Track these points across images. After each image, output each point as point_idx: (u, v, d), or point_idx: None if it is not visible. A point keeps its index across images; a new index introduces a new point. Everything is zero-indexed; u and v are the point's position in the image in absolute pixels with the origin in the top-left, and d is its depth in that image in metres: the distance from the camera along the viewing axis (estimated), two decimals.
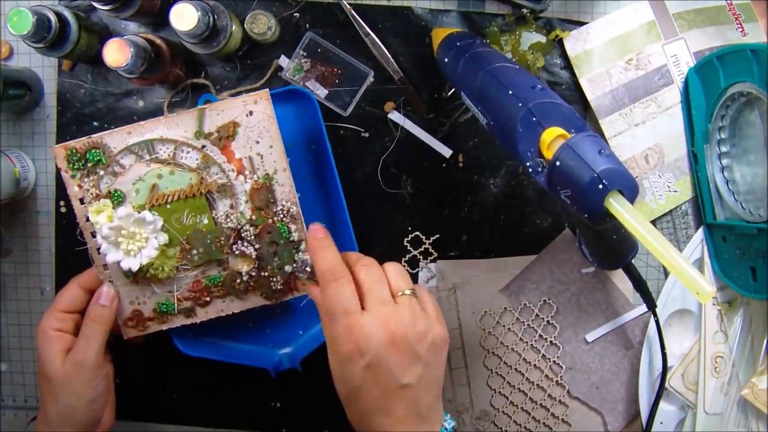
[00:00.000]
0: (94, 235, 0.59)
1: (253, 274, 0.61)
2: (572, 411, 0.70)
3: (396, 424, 0.45)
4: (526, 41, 0.67)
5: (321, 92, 0.67)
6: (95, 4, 0.59)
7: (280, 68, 0.67)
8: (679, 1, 0.67)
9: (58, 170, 0.68)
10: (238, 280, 0.61)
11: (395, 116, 0.67)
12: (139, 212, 0.58)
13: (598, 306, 0.69)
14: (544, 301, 0.69)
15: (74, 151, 0.58)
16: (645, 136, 0.67)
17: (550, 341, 0.69)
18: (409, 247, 0.69)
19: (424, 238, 0.69)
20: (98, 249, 0.59)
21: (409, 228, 0.69)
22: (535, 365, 0.70)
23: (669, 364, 0.65)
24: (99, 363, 0.58)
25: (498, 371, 0.69)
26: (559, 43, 0.67)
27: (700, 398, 0.66)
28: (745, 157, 0.63)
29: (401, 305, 0.48)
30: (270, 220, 0.60)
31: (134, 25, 0.67)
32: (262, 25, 0.64)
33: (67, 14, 0.60)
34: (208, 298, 0.62)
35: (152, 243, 0.59)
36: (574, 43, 0.67)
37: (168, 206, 0.59)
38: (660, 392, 0.65)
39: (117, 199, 0.58)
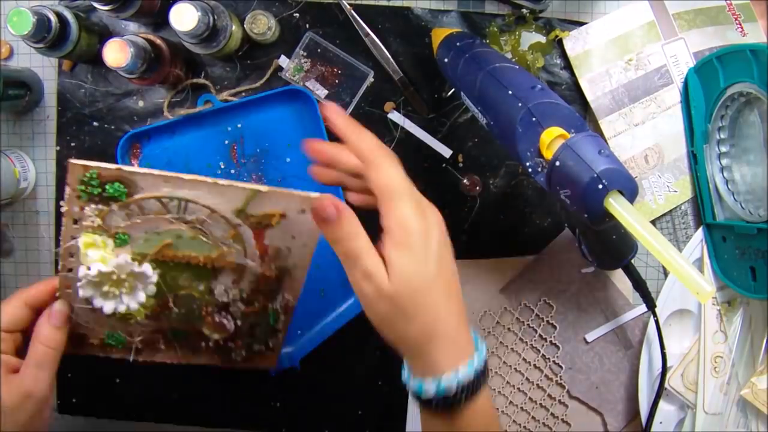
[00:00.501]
0: (71, 254, 0.50)
1: (221, 342, 0.57)
2: (572, 411, 0.70)
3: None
4: (525, 41, 0.67)
5: (321, 92, 0.67)
6: (95, 4, 0.59)
7: (279, 68, 0.67)
8: (678, 1, 0.67)
9: (58, 171, 0.68)
10: (202, 343, 0.56)
11: (395, 116, 0.68)
12: (140, 264, 0.51)
13: (597, 306, 0.69)
14: (544, 301, 0.69)
15: (94, 175, 0.47)
16: (645, 136, 0.67)
17: (550, 341, 0.69)
18: None
19: None
20: (70, 270, 0.50)
21: None
22: (534, 365, 0.70)
23: (669, 364, 0.65)
24: (48, 394, 0.49)
25: (498, 371, 0.70)
26: (559, 43, 0.67)
27: (700, 398, 0.66)
28: (745, 157, 0.63)
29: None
30: (263, 306, 0.56)
31: (134, 25, 0.67)
32: (262, 25, 0.64)
33: (67, 14, 0.60)
34: (162, 347, 0.56)
35: (138, 296, 0.52)
36: (573, 43, 0.67)
37: (171, 264, 0.52)
38: (660, 392, 0.65)
39: (120, 242, 0.50)
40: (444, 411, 0.42)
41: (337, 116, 0.45)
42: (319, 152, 0.48)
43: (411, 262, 0.41)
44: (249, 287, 0.54)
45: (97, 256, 0.49)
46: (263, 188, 0.49)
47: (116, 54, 0.56)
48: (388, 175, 0.42)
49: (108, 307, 0.51)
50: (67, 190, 0.48)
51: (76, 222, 0.49)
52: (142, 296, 0.52)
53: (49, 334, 0.49)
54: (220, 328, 0.56)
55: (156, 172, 0.47)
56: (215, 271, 0.53)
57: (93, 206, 0.48)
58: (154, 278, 0.52)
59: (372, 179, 0.42)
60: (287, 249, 0.53)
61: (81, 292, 0.50)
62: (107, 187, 0.48)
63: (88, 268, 0.49)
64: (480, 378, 0.42)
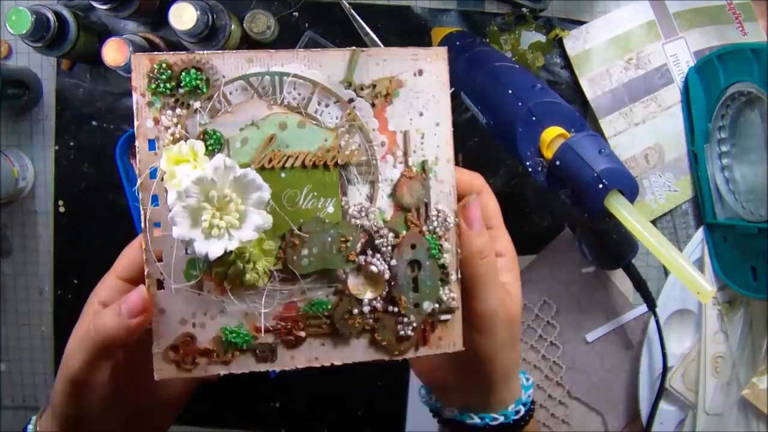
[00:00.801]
0: (155, 202, 0.39)
1: (378, 306, 0.40)
2: (572, 411, 0.70)
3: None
4: (525, 40, 0.67)
5: None
6: (94, 4, 0.58)
7: None
8: (678, 0, 0.66)
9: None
10: (355, 311, 0.40)
11: None
12: (241, 169, 0.37)
13: (598, 306, 0.69)
14: (544, 301, 0.69)
15: (164, 66, 0.38)
16: (645, 136, 0.67)
17: (550, 341, 0.69)
18: None
19: None
20: (156, 223, 0.38)
21: None
22: (535, 365, 0.69)
23: (669, 364, 0.65)
24: (85, 376, 0.39)
25: None
26: (559, 42, 0.67)
27: (701, 398, 0.66)
28: (745, 156, 0.63)
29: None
30: (418, 229, 0.41)
31: (133, 24, 0.66)
32: (261, 24, 0.63)
33: (66, 13, 0.60)
34: (302, 333, 0.40)
35: (252, 220, 0.37)
36: (573, 42, 0.66)
37: (283, 174, 0.39)
38: (660, 392, 0.65)
39: (213, 143, 0.39)
40: None
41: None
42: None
43: (518, 285, 0.44)
44: (389, 205, 0.41)
45: (186, 169, 0.37)
46: (362, 49, 0.40)
47: (115, 53, 0.56)
48: (495, 201, 0.45)
49: (215, 248, 0.36)
50: (136, 99, 0.38)
51: (153, 145, 0.39)
52: (257, 221, 0.37)
53: (105, 322, 0.38)
54: (374, 279, 0.40)
55: (233, 51, 0.39)
56: (342, 183, 0.40)
57: (169, 113, 0.38)
58: (267, 191, 0.37)
59: (486, 205, 0.44)
60: (419, 134, 0.43)
61: (176, 232, 0.36)
62: (182, 77, 0.38)
63: (177, 193, 0.35)
64: (527, 414, 0.45)
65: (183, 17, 0.56)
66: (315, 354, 0.41)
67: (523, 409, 0.44)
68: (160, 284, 0.39)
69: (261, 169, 0.39)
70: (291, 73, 0.39)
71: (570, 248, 0.69)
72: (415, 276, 0.41)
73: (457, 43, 0.57)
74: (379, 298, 0.40)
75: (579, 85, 0.67)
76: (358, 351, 0.41)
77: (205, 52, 0.38)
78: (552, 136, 0.46)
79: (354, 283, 0.40)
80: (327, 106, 0.40)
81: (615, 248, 0.60)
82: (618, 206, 0.44)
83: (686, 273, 0.41)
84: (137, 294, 0.37)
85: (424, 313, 0.40)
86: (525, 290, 0.69)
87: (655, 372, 0.67)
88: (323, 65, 0.40)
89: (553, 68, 0.68)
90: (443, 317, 0.41)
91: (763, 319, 0.66)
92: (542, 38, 0.67)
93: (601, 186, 0.44)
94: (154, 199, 0.39)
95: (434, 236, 0.41)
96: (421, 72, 0.42)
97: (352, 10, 0.65)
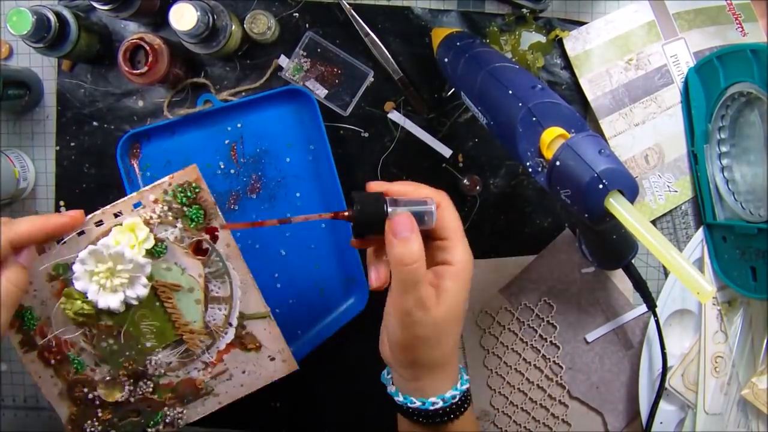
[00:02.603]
0: (99, 223, 0.51)
1: (96, 402, 0.54)
2: (572, 411, 0.70)
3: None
4: (526, 41, 0.67)
5: (321, 92, 0.67)
6: (95, 4, 0.58)
7: (279, 68, 0.67)
8: (679, 1, 0.67)
9: (58, 171, 0.68)
10: (84, 390, 0.54)
11: (395, 116, 0.67)
12: (144, 259, 0.50)
13: (598, 306, 0.69)
14: (544, 301, 0.69)
15: (196, 189, 0.50)
16: (645, 136, 0.67)
17: (550, 341, 0.69)
18: None
19: None
20: (81, 232, 0.50)
21: None
22: (534, 365, 0.70)
23: (669, 364, 0.65)
24: (5, 332, 0.48)
25: (498, 371, 0.69)
26: (559, 43, 0.67)
27: (700, 398, 0.66)
28: (745, 157, 0.63)
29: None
30: (160, 403, 0.55)
31: (134, 24, 0.67)
32: (262, 24, 0.64)
33: (67, 14, 0.60)
34: (52, 361, 0.53)
35: (117, 298, 0.50)
36: (574, 43, 0.67)
37: (157, 303, 0.52)
38: (660, 392, 0.65)
39: (159, 251, 0.51)
40: (425, 425, 0.48)
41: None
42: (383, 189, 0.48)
43: (461, 293, 0.46)
44: (168, 381, 0.55)
45: (127, 243, 0.49)
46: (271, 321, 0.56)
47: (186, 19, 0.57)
48: (456, 215, 0.47)
49: (81, 285, 0.49)
50: (167, 178, 0.50)
51: (135, 207, 0.50)
52: (115, 303, 0.50)
53: (16, 274, 0.46)
54: (114, 389, 0.54)
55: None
56: (175, 343, 0.54)
57: (165, 208, 0.50)
58: (148, 269, 0.50)
59: (443, 216, 0.47)
60: (229, 375, 0.56)
61: (80, 254, 0.49)
62: (192, 208, 0.51)
63: (111, 242, 0.49)
64: (462, 403, 0.48)
65: (183, 18, 0.56)
66: (41, 375, 0.53)
67: (458, 395, 0.47)
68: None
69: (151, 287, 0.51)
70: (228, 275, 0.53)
71: (570, 248, 0.69)
72: (130, 418, 0.55)
73: (458, 43, 0.57)
74: (101, 400, 0.54)
75: (579, 85, 0.67)
76: (59, 404, 0.54)
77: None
78: (552, 137, 0.46)
79: (104, 380, 0.54)
80: (221, 313, 0.54)
81: (615, 248, 0.60)
82: (618, 206, 0.44)
83: (686, 273, 0.41)
84: (30, 251, 0.47)
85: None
86: (525, 290, 0.69)
87: (655, 372, 0.67)
88: (248, 300, 0.54)
89: (553, 69, 0.68)
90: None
91: (762, 319, 0.66)
92: (542, 39, 0.67)
93: (601, 186, 0.44)
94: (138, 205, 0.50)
95: (162, 420, 0.55)
96: (273, 358, 0.57)
97: (352, 11, 0.65)
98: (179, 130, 0.66)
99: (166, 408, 0.56)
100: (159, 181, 0.50)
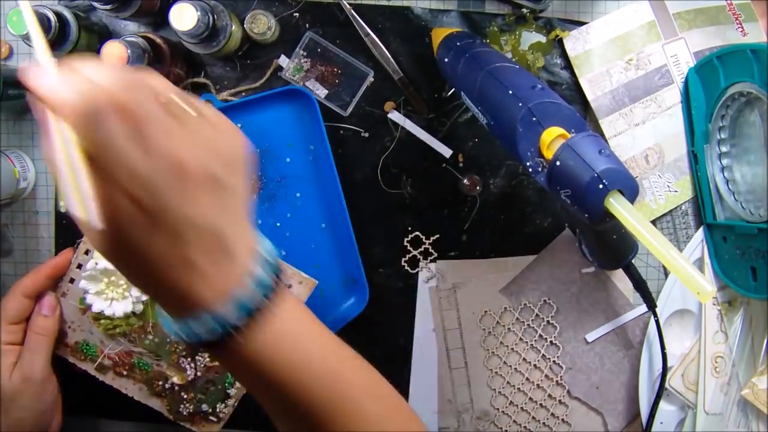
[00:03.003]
0: (87, 252, 0.61)
1: (176, 388, 0.62)
2: (572, 411, 0.70)
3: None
4: (526, 41, 0.67)
5: (321, 92, 0.67)
6: (95, 4, 0.58)
7: (279, 68, 0.67)
8: (679, 1, 0.67)
9: None
10: (161, 383, 0.62)
11: (395, 116, 0.67)
12: None
13: (598, 306, 0.69)
14: (544, 301, 0.69)
15: None
16: (645, 136, 0.67)
17: (550, 341, 0.69)
18: (409, 247, 0.69)
19: (424, 238, 0.69)
20: (79, 264, 0.60)
21: (409, 228, 0.69)
22: (535, 365, 0.70)
23: (669, 364, 0.65)
24: (46, 376, 0.58)
25: (498, 371, 0.69)
26: (559, 43, 0.67)
27: (700, 398, 0.66)
28: (745, 157, 0.63)
29: (188, 129, 0.32)
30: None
31: (134, 24, 0.67)
32: (262, 25, 0.64)
33: (67, 14, 0.60)
34: (125, 373, 0.63)
35: (127, 305, 0.59)
36: (574, 43, 0.67)
37: None
38: (660, 392, 0.65)
39: None
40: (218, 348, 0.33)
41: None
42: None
43: None
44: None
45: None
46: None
47: (114, 58, 0.56)
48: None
49: (97, 305, 0.59)
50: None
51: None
52: (128, 307, 0.59)
53: (40, 323, 0.58)
54: (181, 372, 0.62)
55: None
56: None
57: None
58: (144, 296, 0.60)
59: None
60: None
61: (81, 283, 0.59)
62: None
63: (96, 263, 0.58)
64: (256, 314, 0.32)
65: (184, 18, 0.56)
66: (127, 387, 0.63)
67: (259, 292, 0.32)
68: (64, 294, 0.62)
69: None
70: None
71: (570, 248, 0.69)
72: (207, 389, 0.63)
73: (458, 43, 0.57)
74: (180, 385, 0.62)
75: (579, 85, 0.67)
76: (152, 402, 0.63)
77: None
78: (552, 137, 0.46)
79: (169, 369, 0.62)
80: None
81: (615, 248, 0.60)
82: (618, 206, 0.44)
83: (686, 273, 0.41)
84: (49, 298, 0.60)
85: (199, 410, 0.63)
86: (525, 290, 0.69)
87: (655, 372, 0.67)
88: None
89: (553, 69, 0.68)
90: (211, 418, 0.63)
91: (762, 319, 0.66)
92: (542, 39, 0.67)
93: (601, 186, 0.44)
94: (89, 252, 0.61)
95: (229, 377, 0.62)
96: (290, 285, 0.62)
97: (352, 11, 0.65)
98: None
99: None
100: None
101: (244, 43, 0.66)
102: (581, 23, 0.67)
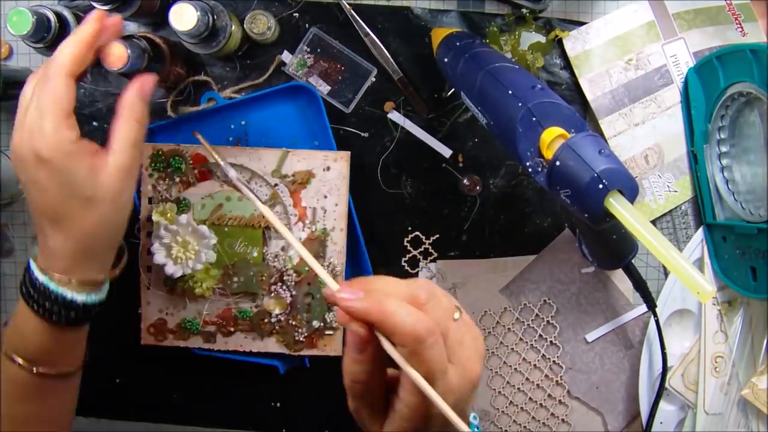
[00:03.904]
0: (149, 236, 0.62)
1: (282, 318, 0.63)
2: (572, 411, 0.70)
3: None
4: (525, 41, 0.67)
5: (323, 88, 0.67)
6: (95, 4, 0.58)
7: (282, 63, 0.67)
8: (678, 1, 0.67)
9: None
10: (266, 320, 0.63)
11: (395, 116, 0.67)
12: (199, 225, 0.61)
13: (598, 306, 0.69)
14: (544, 301, 0.69)
15: (160, 153, 0.62)
16: (645, 136, 0.67)
17: (550, 341, 0.69)
18: (409, 247, 0.69)
19: (424, 238, 0.69)
20: (149, 250, 0.61)
21: (409, 228, 0.69)
22: (535, 365, 0.70)
23: (669, 364, 0.65)
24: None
25: (498, 371, 0.69)
26: (559, 43, 0.67)
27: (700, 398, 0.66)
28: (745, 157, 0.63)
29: (465, 335, 0.37)
30: (313, 273, 0.62)
31: (134, 24, 0.67)
32: (262, 25, 0.64)
33: (67, 14, 0.60)
34: (232, 329, 0.64)
35: (201, 257, 0.61)
36: (573, 43, 0.67)
37: (226, 229, 0.62)
38: (660, 392, 0.65)
39: (183, 206, 0.62)
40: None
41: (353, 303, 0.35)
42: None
43: None
44: (296, 254, 0.62)
45: (165, 220, 0.61)
46: (291, 150, 0.62)
47: (115, 57, 0.55)
48: (430, 364, 0.35)
49: (176, 270, 0.60)
50: (142, 171, 0.61)
51: (150, 201, 0.62)
52: (203, 258, 0.61)
53: (140, 109, 0.48)
54: (279, 300, 0.63)
55: (207, 146, 0.58)
56: (265, 238, 0.62)
57: (161, 182, 0.62)
58: (213, 239, 0.61)
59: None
60: (322, 209, 0.62)
61: (155, 257, 0.60)
62: (171, 161, 0.62)
63: (159, 230, 0.60)
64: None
65: (183, 18, 0.56)
66: (241, 343, 0.64)
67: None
68: (149, 286, 0.63)
69: (212, 225, 0.62)
70: (238, 163, 0.62)
71: (570, 248, 0.69)
72: (309, 303, 0.63)
73: (457, 43, 0.57)
74: (283, 313, 0.63)
75: (579, 85, 0.67)
76: (269, 345, 0.64)
77: (182, 145, 0.62)
78: (552, 137, 0.46)
79: (267, 302, 0.63)
80: (261, 186, 0.63)
81: (615, 248, 0.60)
82: (618, 206, 0.44)
83: (686, 273, 0.41)
84: (147, 77, 0.50)
85: (312, 328, 0.63)
86: (525, 290, 0.69)
87: (655, 372, 0.67)
88: (262, 159, 0.62)
89: (552, 69, 0.68)
90: (327, 332, 0.63)
91: (762, 319, 0.66)
92: (542, 39, 0.67)
93: (601, 186, 0.44)
94: (149, 234, 0.62)
95: None
96: (329, 168, 0.62)
97: (352, 11, 0.66)
98: (183, 129, 0.66)
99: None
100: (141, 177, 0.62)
101: (243, 43, 0.66)
102: (581, 23, 0.67)
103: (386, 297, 0.34)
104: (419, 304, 0.35)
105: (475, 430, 0.43)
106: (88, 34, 0.46)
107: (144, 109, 0.49)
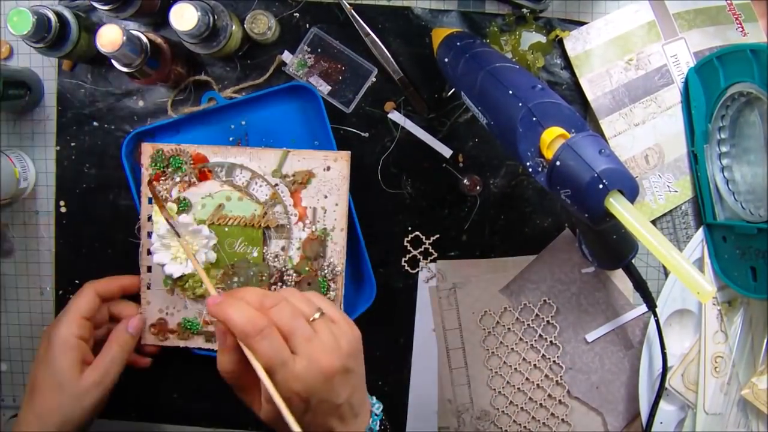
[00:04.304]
0: (149, 236, 0.63)
1: None
2: (572, 411, 0.70)
3: None
4: (526, 41, 0.67)
5: (324, 88, 0.67)
6: (95, 4, 0.59)
7: (283, 63, 0.67)
8: (679, 1, 0.67)
9: (58, 171, 0.68)
10: None
11: (395, 116, 0.67)
12: (198, 225, 0.61)
13: (598, 306, 0.69)
14: (544, 301, 0.69)
15: (160, 153, 0.62)
16: (645, 136, 0.67)
17: (550, 341, 0.69)
18: (409, 247, 0.69)
19: (424, 238, 0.69)
20: (149, 249, 0.62)
21: (409, 228, 0.69)
22: (535, 365, 0.70)
23: (669, 364, 0.65)
24: (111, 390, 0.59)
25: (498, 371, 0.69)
26: (559, 43, 0.67)
27: (700, 398, 0.66)
28: (745, 157, 0.63)
29: (320, 332, 0.46)
30: (314, 273, 0.62)
31: (134, 24, 0.67)
32: (262, 25, 0.64)
33: (67, 14, 0.60)
34: None
35: (200, 257, 0.61)
36: (574, 43, 0.67)
37: (226, 229, 0.62)
38: (660, 392, 0.65)
39: (183, 206, 0.62)
40: None
41: (210, 306, 0.47)
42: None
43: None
44: (297, 254, 0.62)
45: (164, 219, 0.61)
46: (291, 150, 0.62)
47: (108, 39, 0.55)
48: (264, 356, 0.45)
49: (176, 270, 0.60)
50: (142, 171, 0.62)
51: (150, 201, 0.63)
52: (203, 257, 0.61)
53: (125, 339, 0.60)
54: None
55: (207, 146, 0.60)
56: (265, 238, 0.62)
57: (162, 182, 0.62)
58: (213, 240, 0.61)
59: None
60: (322, 209, 0.62)
61: (155, 257, 0.61)
62: (171, 160, 0.62)
63: (159, 229, 0.60)
64: None
65: (184, 18, 0.56)
66: None
67: None
68: (149, 286, 0.64)
69: (212, 225, 0.62)
70: (238, 163, 0.61)
71: (570, 248, 0.69)
72: None
73: (458, 43, 0.57)
74: None
75: (579, 85, 0.67)
76: None
77: (182, 145, 0.62)
78: (552, 137, 0.46)
79: None
80: (261, 186, 0.62)
81: (615, 248, 0.60)
82: (618, 206, 0.44)
83: (686, 273, 0.41)
84: (138, 320, 0.62)
85: None
86: (525, 290, 0.69)
87: (655, 372, 0.67)
88: (262, 159, 0.62)
89: (553, 69, 0.68)
90: None
91: (762, 319, 0.66)
92: (542, 39, 0.67)
93: (601, 186, 0.44)
94: (149, 234, 0.63)
95: (324, 279, 0.62)
96: (329, 168, 0.62)
97: (352, 11, 0.66)
98: (183, 129, 0.66)
99: (318, 273, 0.62)
100: (142, 176, 0.63)
101: (244, 43, 0.66)
102: (581, 23, 0.67)
103: (232, 301, 0.45)
104: (264, 308, 0.46)
105: (375, 416, 0.50)
106: (127, 280, 0.64)
107: (130, 339, 0.61)
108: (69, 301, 0.60)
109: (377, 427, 0.49)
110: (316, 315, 0.47)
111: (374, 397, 0.52)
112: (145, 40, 0.59)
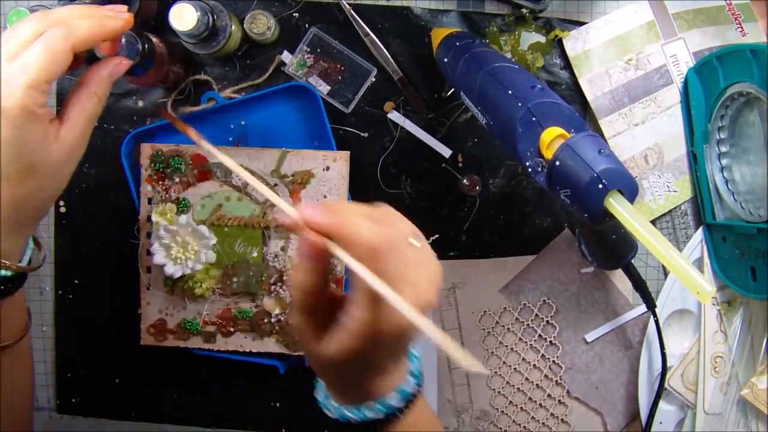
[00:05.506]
0: (148, 236, 0.63)
1: (282, 318, 0.63)
2: (572, 411, 0.70)
3: None
4: (525, 41, 0.67)
5: (323, 88, 0.67)
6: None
7: (282, 63, 0.67)
8: (678, 1, 0.67)
9: None
10: (266, 320, 0.63)
11: (395, 116, 0.67)
12: (198, 225, 0.61)
13: (597, 306, 0.69)
14: (544, 301, 0.69)
15: (160, 153, 0.62)
16: (644, 136, 0.67)
17: (550, 341, 0.69)
18: None
19: None
20: (148, 250, 0.62)
21: None
22: (534, 365, 0.70)
23: (669, 364, 0.65)
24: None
25: (498, 371, 0.69)
26: (559, 43, 0.67)
27: (700, 398, 0.66)
28: (745, 157, 0.63)
29: (422, 268, 0.39)
30: None
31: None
32: (262, 25, 0.64)
33: None
34: (231, 329, 0.64)
35: (200, 257, 0.61)
36: (573, 43, 0.67)
37: (226, 229, 0.62)
38: (659, 392, 0.65)
39: (182, 206, 0.62)
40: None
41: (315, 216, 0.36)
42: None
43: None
44: (297, 255, 0.61)
45: (164, 220, 0.61)
46: (290, 150, 0.62)
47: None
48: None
49: (176, 270, 0.61)
50: (141, 171, 0.62)
51: (149, 201, 0.63)
52: (203, 258, 0.61)
53: (106, 87, 0.47)
54: (278, 300, 0.63)
55: (205, 146, 0.54)
56: (264, 238, 0.62)
57: (161, 183, 0.62)
58: (213, 239, 0.61)
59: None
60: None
61: (154, 258, 0.61)
62: (170, 161, 0.62)
63: (160, 229, 0.61)
64: (411, 400, 0.41)
65: (183, 18, 0.56)
66: (240, 343, 0.64)
67: (412, 387, 0.40)
68: (148, 287, 0.64)
69: (211, 225, 0.62)
70: (237, 164, 0.56)
71: (569, 248, 0.69)
72: None
73: (457, 43, 0.57)
74: (283, 313, 0.63)
75: (579, 85, 0.67)
76: (268, 345, 0.64)
77: (181, 145, 0.62)
78: (552, 137, 0.46)
79: (267, 302, 0.63)
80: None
81: (615, 248, 0.60)
82: (618, 206, 0.44)
83: (686, 273, 0.41)
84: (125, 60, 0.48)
85: None
86: (525, 290, 0.69)
87: (654, 372, 0.67)
88: (262, 159, 0.62)
89: (552, 69, 0.68)
90: None
91: (762, 319, 0.66)
92: (542, 39, 0.67)
93: (600, 186, 0.44)
94: (149, 235, 0.63)
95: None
96: (328, 168, 0.62)
97: (352, 11, 0.66)
98: None
99: None
100: (141, 176, 0.63)
101: (243, 43, 0.66)
102: (581, 23, 0.67)
103: (346, 210, 0.36)
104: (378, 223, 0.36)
105: (414, 360, 0.44)
106: (112, 28, 0.45)
107: (108, 88, 0.47)
108: (33, 46, 0.41)
109: (418, 372, 0.43)
110: (415, 242, 0.38)
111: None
112: (140, 41, 0.58)
